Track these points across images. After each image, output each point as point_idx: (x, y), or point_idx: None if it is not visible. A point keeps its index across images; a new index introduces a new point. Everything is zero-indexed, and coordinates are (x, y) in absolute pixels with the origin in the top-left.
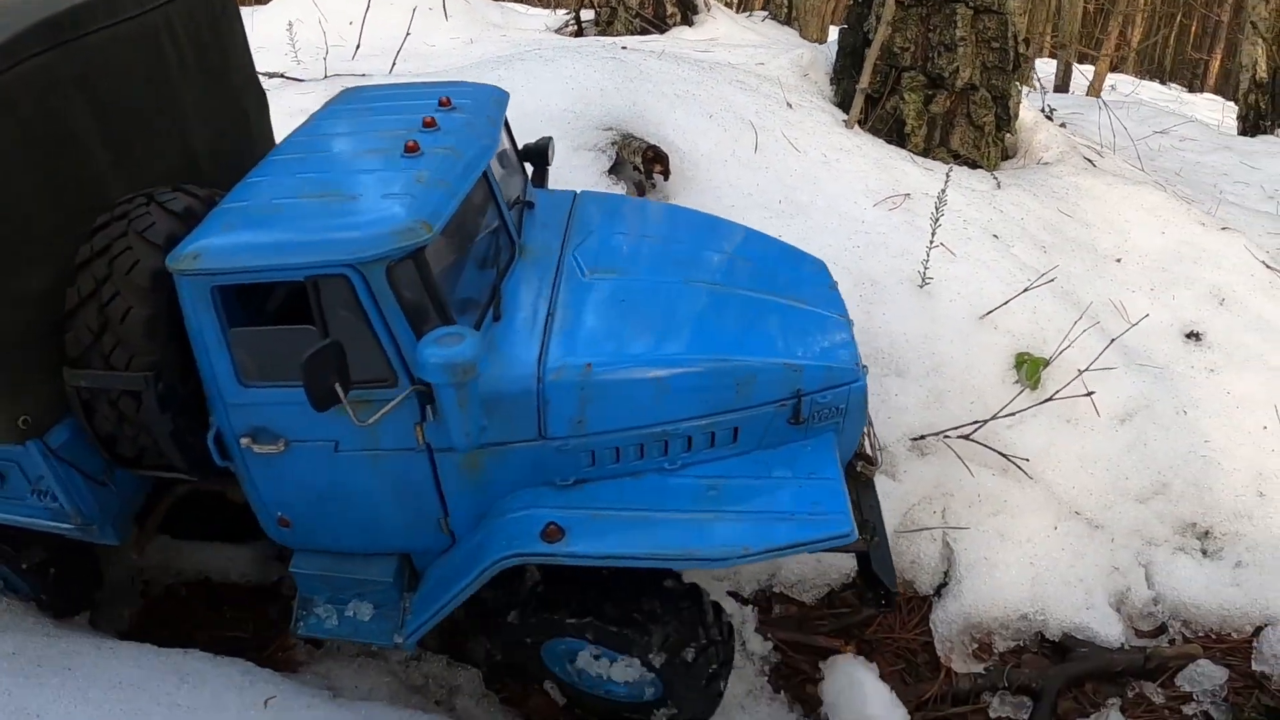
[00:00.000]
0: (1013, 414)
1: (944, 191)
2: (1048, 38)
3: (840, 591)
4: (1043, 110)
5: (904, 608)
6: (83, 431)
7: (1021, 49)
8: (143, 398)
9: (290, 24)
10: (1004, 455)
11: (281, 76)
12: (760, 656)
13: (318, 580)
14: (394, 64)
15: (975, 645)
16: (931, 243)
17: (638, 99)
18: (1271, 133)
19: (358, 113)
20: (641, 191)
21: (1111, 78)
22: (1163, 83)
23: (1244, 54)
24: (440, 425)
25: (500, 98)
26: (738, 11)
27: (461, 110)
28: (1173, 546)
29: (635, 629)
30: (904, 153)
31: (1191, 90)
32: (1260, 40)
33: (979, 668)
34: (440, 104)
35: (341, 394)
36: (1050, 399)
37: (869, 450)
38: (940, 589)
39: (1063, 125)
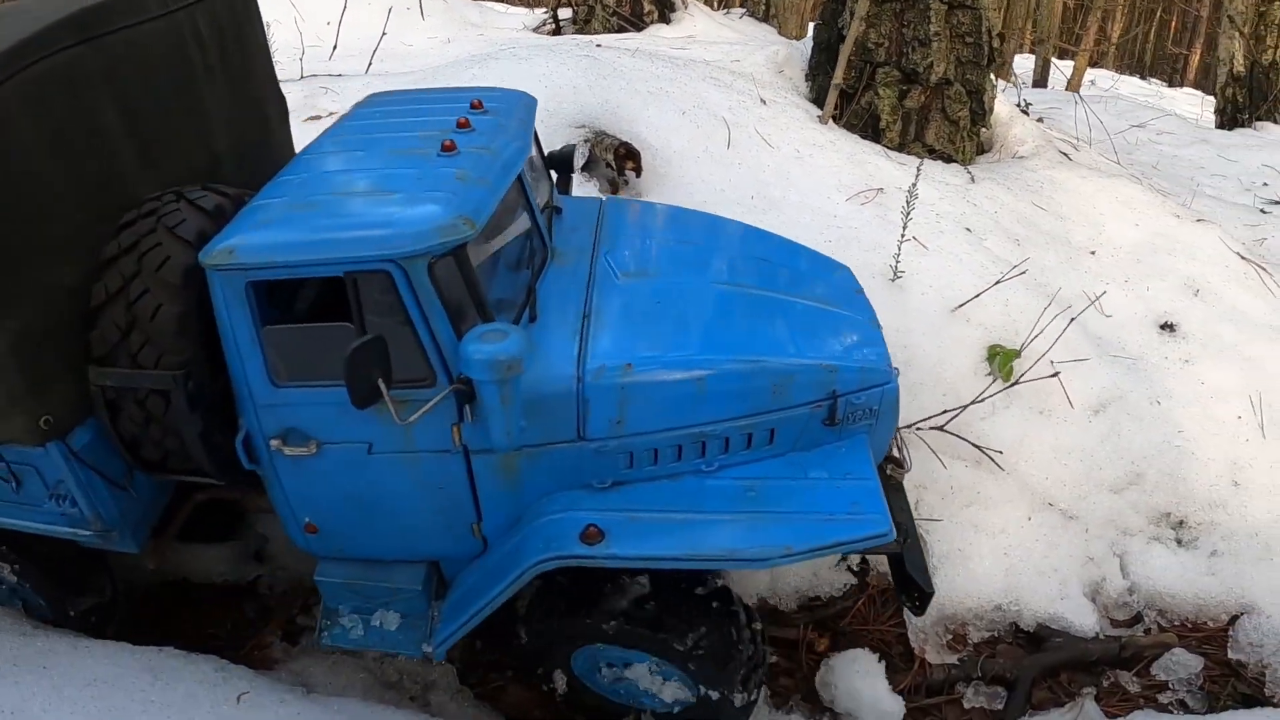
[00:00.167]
0: (981, 400)
1: (914, 185)
2: (1028, 33)
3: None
4: (1018, 105)
5: (878, 600)
6: (105, 433)
7: (996, 44)
8: (171, 397)
9: (268, 25)
10: (977, 446)
11: None
12: None
13: (343, 589)
14: (370, 64)
15: (950, 636)
16: (903, 237)
17: (610, 97)
18: (1249, 126)
19: (387, 115)
20: (614, 189)
21: (1091, 73)
22: (1143, 78)
23: (1221, 48)
24: (479, 425)
25: (529, 103)
26: (716, 9)
27: (493, 113)
28: (1147, 536)
29: (670, 633)
30: (878, 148)
31: (1171, 85)
32: (1237, 34)
33: (953, 659)
34: (472, 106)
35: (385, 390)
36: (1016, 383)
37: (896, 453)
38: None
39: (1040, 120)
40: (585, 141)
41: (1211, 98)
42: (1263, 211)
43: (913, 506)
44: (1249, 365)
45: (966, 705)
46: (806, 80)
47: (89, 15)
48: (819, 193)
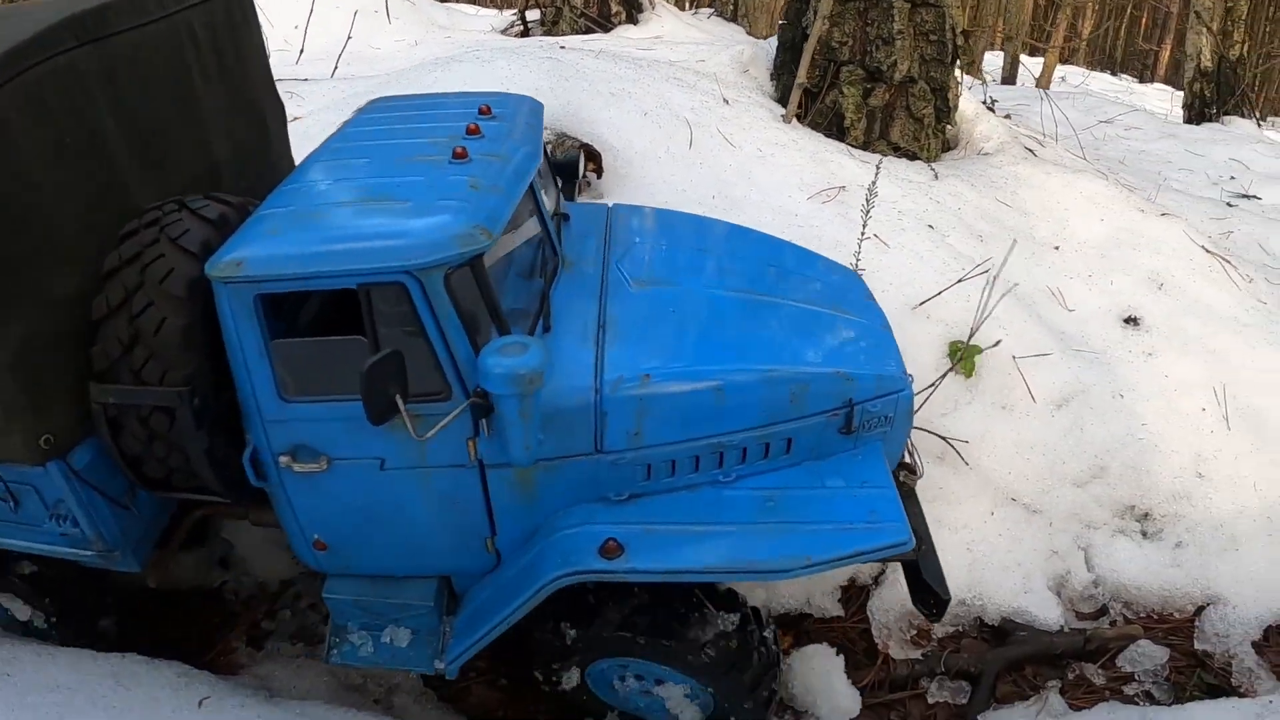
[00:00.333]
0: (932, 385)
1: (874, 183)
2: (998, 31)
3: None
4: (984, 102)
5: (842, 596)
6: (106, 451)
7: (960, 41)
8: (177, 414)
9: None
10: (943, 438)
11: None
12: None
13: (352, 606)
14: (335, 68)
15: (914, 632)
16: (863, 234)
17: (572, 98)
18: (1217, 120)
19: (392, 121)
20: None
21: (1062, 69)
22: (1114, 74)
23: (1189, 43)
24: (495, 439)
25: (536, 107)
26: (685, 9)
27: (501, 119)
28: (1112, 529)
29: (687, 642)
30: (841, 146)
31: (1142, 81)
32: (1205, 30)
33: (917, 654)
34: (480, 112)
35: (402, 406)
36: (959, 360)
37: (909, 459)
38: (878, 577)
39: (1007, 117)
40: (547, 144)
41: (1181, 93)
42: (1229, 205)
43: None
44: (1213, 358)
45: (930, 700)
46: (772, 80)
47: (89, 17)
48: (780, 191)
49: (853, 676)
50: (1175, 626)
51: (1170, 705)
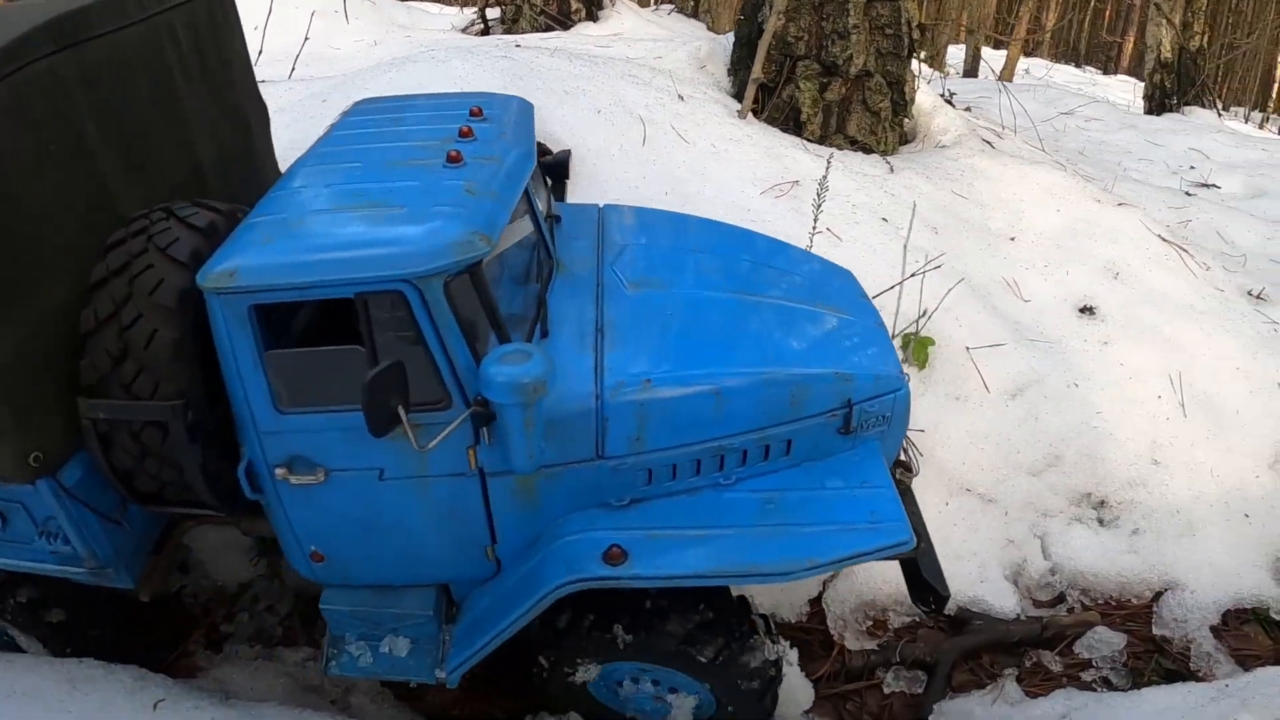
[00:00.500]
0: None
1: (825, 177)
2: (962, 24)
3: None
4: (942, 95)
5: (797, 588)
6: (97, 467)
7: (916, 35)
8: (170, 429)
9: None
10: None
11: None
12: None
13: (349, 617)
14: (293, 69)
15: (870, 623)
16: (814, 228)
17: (526, 97)
18: (1177, 111)
19: (381, 123)
20: None
21: (1026, 62)
22: (1078, 66)
23: (1149, 35)
24: (496, 447)
25: (527, 108)
26: (646, 5)
27: (493, 120)
28: (1068, 517)
29: (691, 645)
30: (797, 140)
31: (1106, 72)
32: (1165, 21)
33: (873, 644)
34: (471, 114)
35: (405, 418)
36: (909, 351)
37: (904, 457)
38: None
39: (967, 109)
40: None
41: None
42: (1188, 194)
43: None
44: (1169, 345)
45: (886, 690)
46: (729, 75)
47: (68, 21)
48: (734, 187)
49: (808, 669)
50: (1133, 613)
51: (1127, 690)
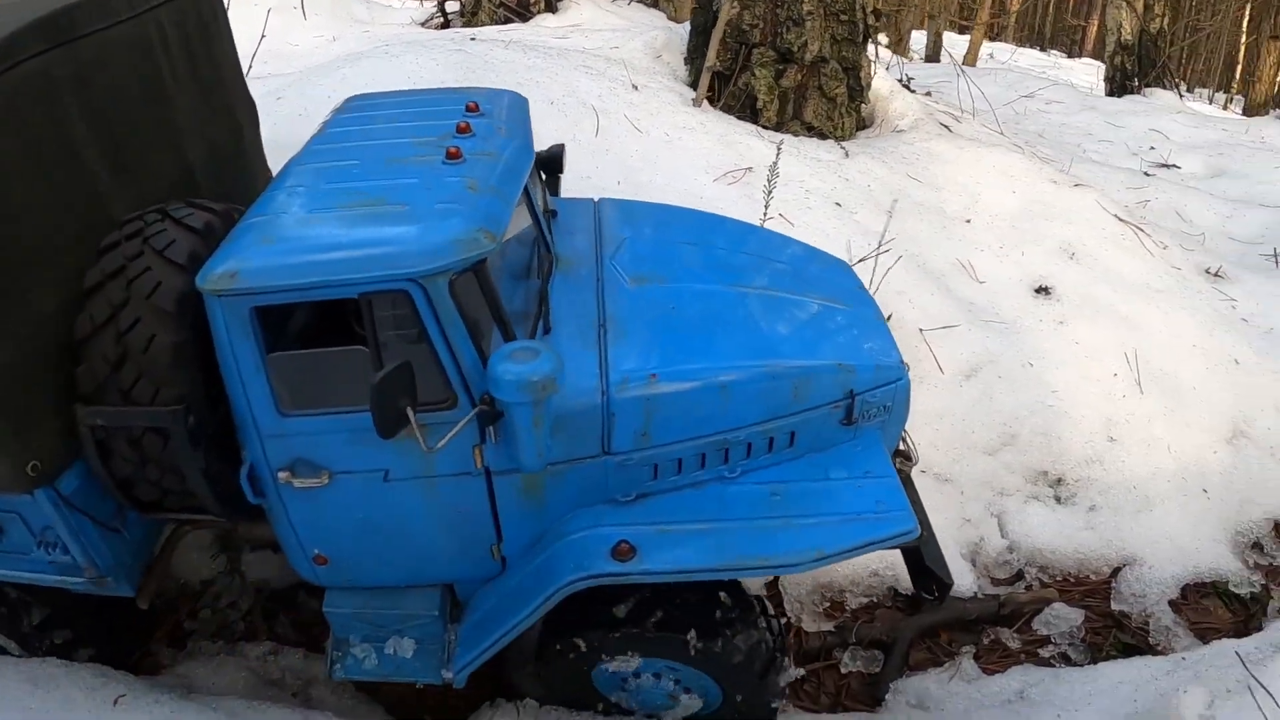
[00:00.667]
0: None
1: (775, 163)
2: (926, 8)
3: None
4: (900, 80)
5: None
6: (95, 475)
7: (871, 20)
8: (171, 435)
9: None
10: None
11: None
12: None
13: (353, 619)
14: (250, 67)
15: (827, 604)
16: (765, 214)
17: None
18: (1138, 92)
19: (374, 120)
20: None
21: (990, 46)
22: (1043, 49)
23: (1109, 17)
24: (503, 446)
25: (522, 102)
26: None
27: (489, 115)
28: (1025, 495)
29: (699, 637)
30: (752, 128)
31: (1071, 56)
32: (1125, 4)
33: (830, 625)
34: (467, 109)
35: (413, 419)
36: None
37: (903, 445)
38: None
39: (928, 94)
40: None
41: None
42: (1146, 175)
43: None
44: (1124, 324)
45: (844, 670)
46: (686, 64)
47: (57, 19)
48: (686, 175)
49: None
50: (1092, 589)
51: (1084, 665)
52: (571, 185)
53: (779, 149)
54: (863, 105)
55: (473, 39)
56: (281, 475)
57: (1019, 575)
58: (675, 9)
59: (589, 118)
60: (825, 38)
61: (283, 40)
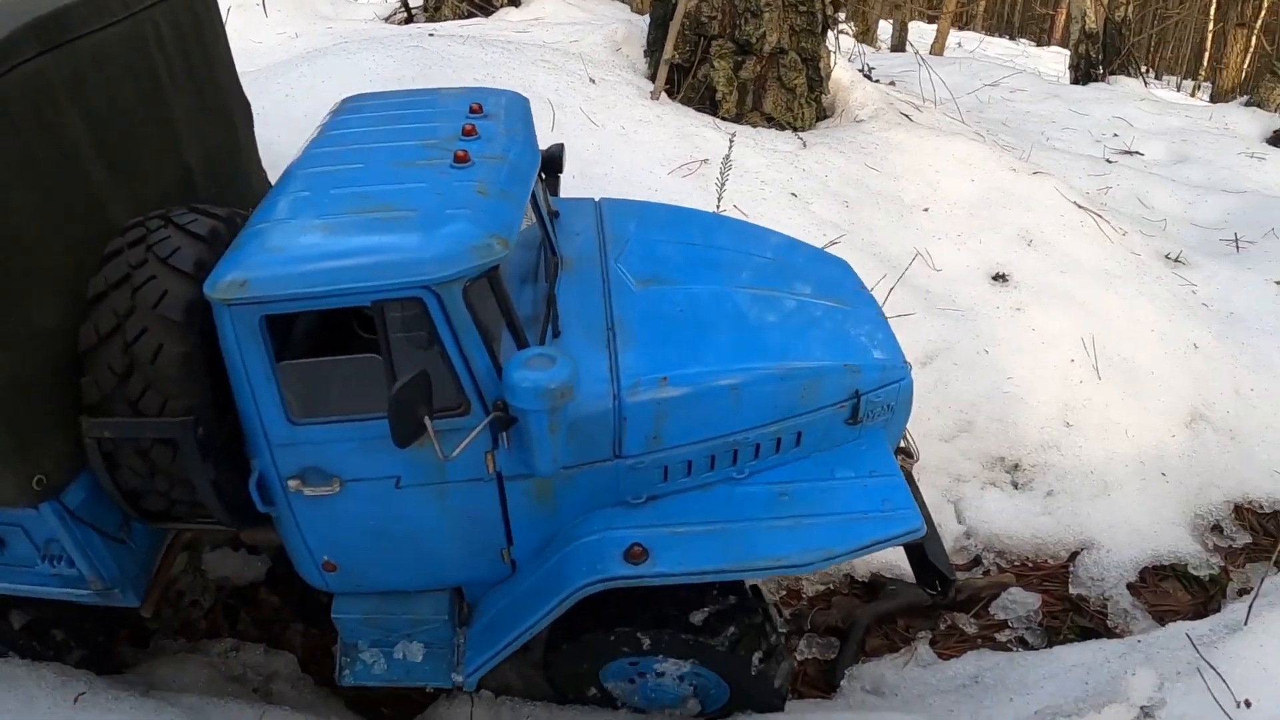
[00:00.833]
0: None
1: (728, 155)
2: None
3: None
4: (861, 70)
5: None
6: (102, 486)
7: (830, 11)
8: (181, 445)
9: None
10: None
11: None
12: None
13: (362, 624)
14: None
15: (784, 592)
16: (718, 206)
17: (434, 85)
18: (1103, 80)
19: (376, 122)
20: None
21: (959, 35)
22: (1012, 38)
23: (1073, 6)
24: (515, 451)
25: (523, 102)
26: None
27: (494, 117)
28: (982, 481)
29: (703, 633)
30: (709, 119)
31: (1040, 44)
32: None
33: (786, 613)
34: (472, 111)
35: (430, 427)
36: None
37: (904, 443)
38: None
39: (891, 84)
40: None
41: None
42: (1109, 162)
43: None
44: (1082, 310)
45: (800, 657)
46: (645, 57)
47: (51, 21)
48: (642, 168)
49: None
50: (1050, 573)
51: (1041, 649)
52: None
53: (731, 140)
54: (823, 96)
55: (431, 35)
56: (291, 484)
57: (976, 561)
58: (638, 2)
59: (545, 112)
60: (784, 29)
61: (246, 38)
